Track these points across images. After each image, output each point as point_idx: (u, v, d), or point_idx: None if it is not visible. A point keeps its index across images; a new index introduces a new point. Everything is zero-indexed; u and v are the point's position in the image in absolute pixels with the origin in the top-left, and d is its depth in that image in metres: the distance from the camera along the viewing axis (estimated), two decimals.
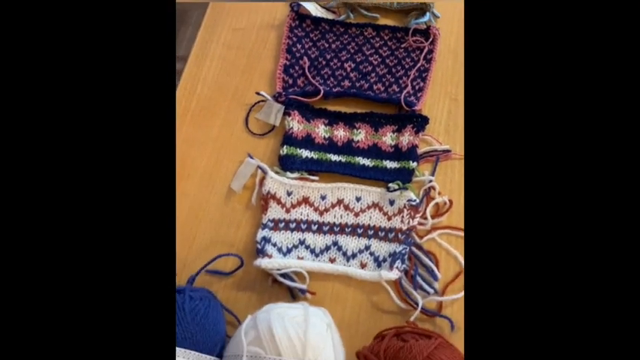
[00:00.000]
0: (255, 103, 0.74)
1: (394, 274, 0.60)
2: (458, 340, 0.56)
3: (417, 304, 0.59)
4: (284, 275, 0.61)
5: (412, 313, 0.59)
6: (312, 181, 0.68)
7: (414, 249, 0.64)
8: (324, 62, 0.78)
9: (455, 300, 0.61)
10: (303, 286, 0.61)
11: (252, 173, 0.68)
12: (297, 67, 0.77)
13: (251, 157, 0.69)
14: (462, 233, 0.65)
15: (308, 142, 0.71)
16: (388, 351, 0.51)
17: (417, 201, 0.66)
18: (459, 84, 0.77)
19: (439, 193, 0.68)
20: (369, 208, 0.67)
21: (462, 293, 0.61)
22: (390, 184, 0.67)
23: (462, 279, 0.62)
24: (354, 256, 0.64)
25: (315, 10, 0.80)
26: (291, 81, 0.77)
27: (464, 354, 0.50)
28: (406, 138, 0.71)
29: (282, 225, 0.65)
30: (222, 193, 0.68)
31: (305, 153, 0.70)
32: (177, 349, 0.49)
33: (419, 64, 0.77)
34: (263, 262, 0.60)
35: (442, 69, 0.78)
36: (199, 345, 0.51)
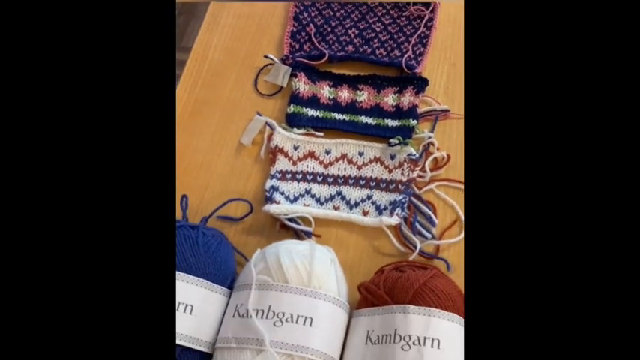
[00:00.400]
0: (264, 66, 0.78)
1: (394, 220, 0.64)
2: (454, 279, 0.59)
3: (416, 247, 0.63)
4: (291, 220, 0.65)
5: (411, 255, 0.63)
6: (318, 137, 0.72)
7: (413, 199, 0.67)
8: (329, 29, 0.81)
9: (451, 243, 0.64)
10: (309, 229, 0.64)
11: (260, 129, 0.72)
12: (303, 34, 0.81)
13: (259, 115, 0.73)
14: (459, 185, 0.69)
15: (314, 101, 0.75)
16: (387, 281, 0.54)
17: (417, 155, 0.70)
18: (457, 50, 0.81)
19: (438, 149, 0.71)
20: (371, 162, 0.70)
21: (459, 237, 0.64)
22: (392, 140, 0.70)
23: (460, 226, 0.66)
24: (356, 205, 0.67)
25: None
26: (297, 46, 0.80)
27: (464, 294, 0.54)
28: (407, 98, 0.74)
29: (289, 176, 0.69)
30: (232, 148, 0.72)
31: (311, 112, 0.74)
32: (191, 277, 0.53)
33: (420, 31, 0.81)
34: (271, 208, 0.64)
35: (442, 36, 0.82)
36: (211, 276, 0.55)
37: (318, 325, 0.51)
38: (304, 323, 0.51)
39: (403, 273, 0.54)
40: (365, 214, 0.67)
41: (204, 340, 0.53)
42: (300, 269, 0.53)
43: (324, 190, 0.69)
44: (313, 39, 0.80)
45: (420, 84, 0.76)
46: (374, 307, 0.54)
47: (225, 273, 0.57)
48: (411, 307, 0.51)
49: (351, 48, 0.81)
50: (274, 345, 0.49)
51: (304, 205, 0.67)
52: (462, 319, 0.52)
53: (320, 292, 0.52)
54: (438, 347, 0.49)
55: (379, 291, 0.54)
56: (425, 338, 0.49)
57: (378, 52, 0.80)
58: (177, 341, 0.50)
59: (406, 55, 0.79)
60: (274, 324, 0.51)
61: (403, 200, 0.66)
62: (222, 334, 0.53)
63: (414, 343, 0.49)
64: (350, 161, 0.71)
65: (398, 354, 0.49)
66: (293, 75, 0.76)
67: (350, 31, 0.82)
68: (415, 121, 0.73)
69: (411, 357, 0.49)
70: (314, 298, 0.52)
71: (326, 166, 0.70)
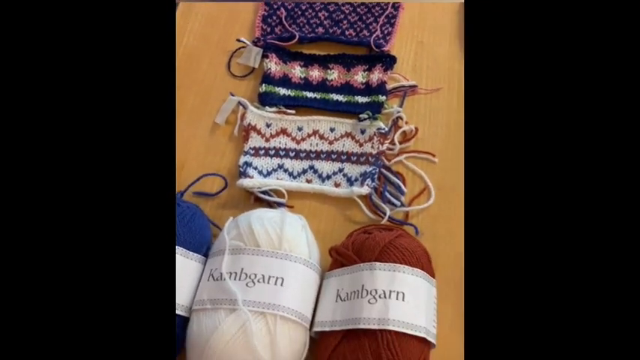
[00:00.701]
0: (237, 50, 0.81)
1: (365, 190, 0.67)
2: (422, 242, 0.62)
3: (385, 214, 0.65)
4: (264, 193, 0.67)
5: (381, 222, 0.65)
6: (289, 114, 0.74)
7: (383, 170, 0.70)
8: (299, 12, 0.84)
9: (420, 210, 0.67)
10: (282, 201, 0.67)
11: (233, 109, 0.74)
12: (274, 17, 0.84)
13: (232, 95, 0.75)
14: (427, 156, 0.71)
15: (285, 81, 0.77)
16: (355, 243, 0.57)
17: (386, 129, 0.72)
18: (425, 28, 0.84)
19: (406, 122, 0.74)
20: (342, 137, 0.73)
21: (427, 204, 0.67)
22: (361, 115, 0.73)
23: (427, 193, 0.68)
24: (328, 177, 0.70)
25: None
26: (269, 29, 0.83)
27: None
28: (376, 75, 0.77)
29: (262, 152, 0.71)
30: (207, 127, 0.75)
31: (282, 91, 0.76)
32: None
33: (387, 12, 0.84)
34: (245, 182, 0.67)
35: (409, 16, 0.85)
36: (186, 244, 0.57)
37: (289, 285, 0.53)
38: (275, 283, 0.53)
39: (370, 234, 0.57)
40: (337, 185, 0.69)
41: (182, 304, 0.55)
42: (271, 234, 0.56)
43: (296, 165, 0.71)
44: (284, 22, 0.83)
45: (389, 62, 0.78)
46: (343, 268, 0.56)
47: (200, 242, 0.59)
48: (377, 264, 0.53)
49: (321, 30, 0.83)
50: (247, 304, 0.52)
51: (277, 179, 0.69)
52: (425, 274, 0.54)
53: (290, 255, 0.55)
54: (403, 299, 0.51)
55: (348, 252, 0.56)
56: (390, 292, 0.52)
57: (347, 33, 0.83)
58: None
59: (374, 35, 0.81)
60: (247, 285, 0.53)
61: (373, 171, 0.69)
62: (198, 297, 0.55)
63: (380, 297, 0.51)
64: (321, 137, 0.73)
65: (365, 307, 0.51)
66: (265, 56, 0.79)
67: (320, 14, 0.84)
68: (384, 97, 0.75)
69: (377, 309, 0.51)
70: (285, 260, 0.54)
71: (298, 142, 0.73)
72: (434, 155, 0.71)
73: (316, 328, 0.53)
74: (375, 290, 0.52)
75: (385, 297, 0.51)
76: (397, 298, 0.51)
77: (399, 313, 0.50)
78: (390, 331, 0.50)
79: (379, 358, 0.49)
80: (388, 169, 0.70)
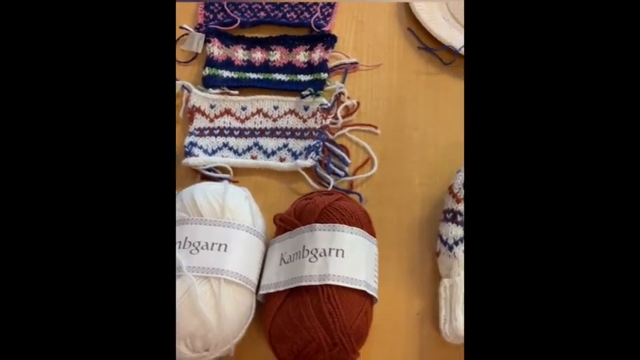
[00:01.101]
0: (180, 37, 0.82)
1: (309, 162, 0.68)
2: (367, 209, 0.63)
3: (330, 184, 0.67)
4: (210, 170, 0.68)
5: None
6: (233, 94, 0.76)
7: (327, 143, 0.72)
8: None
9: (364, 179, 0.69)
10: (228, 176, 0.68)
11: (178, 93, 0.75)
12: (216, 4, 0.85)
13: (177, 80, 0.76)
14: (369, 128, 0.73)
15: (228, 64, 0.79)
16: (297, 208, 0.58)
17: (329, 105, 0.74)
18: (364, 9, 0.86)
19: (348, 97, 0.76)
20: (285, 114, 0.74)
21: (370, 172, 0.69)
22: (303, 92, 0.74)
23: (370, 163, 0.70)
24: (273, 153, 0.71)
25: None
26: (211, 16, 0.84)
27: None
28: (317, 54, 0.79)
29: (207, 132, 0.72)
30: None
31: (225, 73, 0.78)
32: None
33: None
34: (190, 161, 0.68)
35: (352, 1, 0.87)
36: None
37: (232, 251, 0.55)
38: (219, 249, 0.54)
39: (311, 200, 0.58)
40: (282, 160, 0.71)
41: None
42: (214, 204, 0.57)
43: (241, 143, 0.72)
44: (226, 8, 0.84)
45: (329, 41, 0.80)
46: (286, 233, 0.57)
47: None
48: (317, 225, 0.55)
49: (262, 14, 0.85)
50: (191, 270, 0.53)
51: (222, 157, 0.71)
52: (364, 232, 0.56)
53: (233, 222, 0.56)
54: (342, 256, 0.53)
55: (290, 217, 0.57)
56: (330, 249, 0.53)
57: (288, 16, 0.85)
58: None
59: (315, 16, 0.83)
60: (190, 252, 0.54)
61: (317, 145, 0.70)
62: None
63: (320, 255, 0.53)
64: (265, 115, 0.74)
65: (306, 266, 0.53)
66: (207, 41, 0.80)
67: None
68: (326, 74, 0.77)
69: (317, 267, 0.52)
70: (227, 227, 0.56)
71: (242, 121, 0.74)
72: (376, 127, 0.73)
73: (262, 291, 0.55)
74: (316, 249, 0.53)
75: (325, 255, 0.53)
76: (337, 255, 0.53)
77: (339, 268, 0.52)
78: (330, 286, 0.51)
79: (321, 312, 0.50)
80: (332, 142, 0.72)
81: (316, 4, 0.85)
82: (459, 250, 0.59)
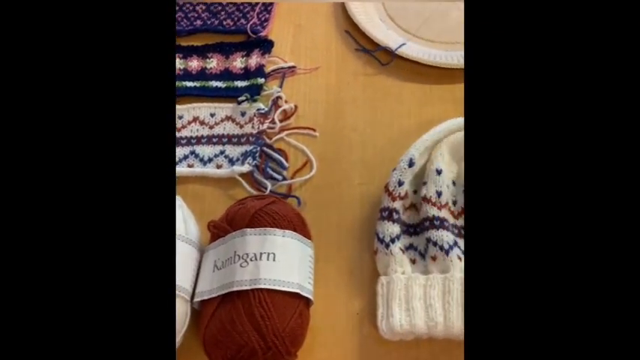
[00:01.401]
0: None
1: (246, 168, 0.68)
2: (304, 215, 0.63)
3: (266, 189, 0.67)
4: None
5: None
6: None
7: (264, 148, 0.71)
8: (177, 7, 0.85)
9: (302, 182, 0.69)
10: None
11: None
12: None
13: None
14: (307, 131, 0.73)
15: None
16: (229, 214, 0.58)
17: (266, 109, 0.74)
18: (302, 13, 0.86)
19: (286, 101, 0.76)
20: (222, 120, 0.74)
21: (308, 175, 0.69)
22: (240, 98, 0.74)
23: (309, 166, 0.70)
24: (210, 160, 0.71)
25: None
26: None
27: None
28: (254, 60, 0.79)
29: None
30: None
31: None
32: None
33: None
34: None
35: (287, 2, 0.87)
36: None
37: None
38: None
39: (243, 205, 0.58)
40: (218, 167, 0.70)
41: None
42: None
43: (177, 152, 0.72)
44: None
45: (266, 46, 0.80)
46: (219, 239, 0.57)
47: None
48: (248, 230, 0.55)
49: (199, 22, 0.84)
50: None
51: None
52: (297, 235, 0.56)
53: None
54: (274, 260, 0.53)
55: (222, 224, 0.57)
56: (261, 254, 0.53)
57: (225, 23, 0.84)
58: None
59: (252, 22, 0.83)
60: None
61: (254, 150, 0.70)
62: None
63: (251, 260, 0.53)
64: (202, 122, 0.74)
65: (238, 271, 0.52)
66: None
67: (197, 7, 0.86)
68: (263, 79, 0.77)
69: (248, 271, 0.52)
70: None
71: (179, 130, 0.73)
72: (314, 130, 0.73)
73: (197, 299, 0.54)
74: (247, 254, 0.53)
75: (256, 259, 0.52)
76: (268, 259, 0.52)
77: (270, 272, 0.52)
78: (262, 290, 0.51)
79: (252, 316, 0.50)
80: (269, 146, 0.72)
81: (253, 10, 0.85)
82: (396, 248, 0.59)
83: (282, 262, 0.53)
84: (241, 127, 0.73)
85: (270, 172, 0.69)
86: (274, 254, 0.53)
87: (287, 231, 0.55)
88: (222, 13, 0.85)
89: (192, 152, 0.71)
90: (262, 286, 0.51)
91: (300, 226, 0.57)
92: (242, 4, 0.86)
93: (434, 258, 0.59)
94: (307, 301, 0.54)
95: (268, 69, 0.79)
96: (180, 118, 0.74)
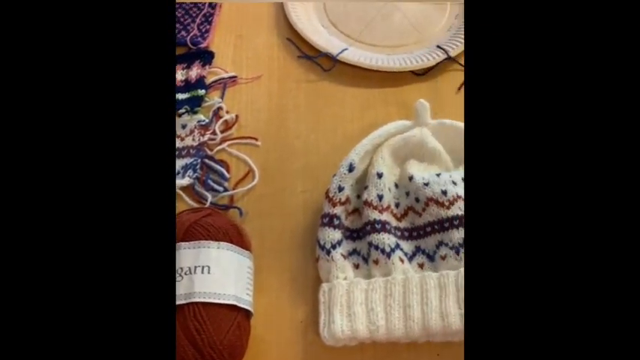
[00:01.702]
0: None
1: (186, 181, 0.67)
2: (247, 225, 0.63)
3: (207, 201, 0.66)
4: None
5: None
6: None
7: (205, 160, 0.71)
8: None
9: (245, 192, 0.68)
10: None
11: None
12: None
13: None
14: (249, 141, 0.73)
15: None
16: None
17: (206, 121, 0.73)
18: (243, 23, 0.86)
19: (227, 112, 0.75)
20: None
21: (250, 185, 0.68)
22: (180, 110, 0.74)
23: (252, 176, 0.70)
24: None
25: None
26: None
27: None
28: (194, 72, 0.78)
29: None
30: None
31: None
32: None
33: (204, 11, 0.85)
34: None
35: (228, 12, 0.87)
36: None
37: None
38: None
39: (179, 218, 0.57)
40: None
41: None
42: None
43: None
44: None
45: (206, 57, 0.80)
46: None
47: None
48: (182, 244, 0.54)
49: None
50: None
51: None
52: (233, 246, 0.55)
53: None
54: (209, 272, 0.52)
55: None
56: (195, 267, 0.52)
57: None
58: None
59: (192, 34, 0.82)
60: None
61: (194, 162, 0.69)
62: None
63: (185, 274, 0.52)
64: None
65: None
66: None
67: None
68: (203, 91, 0.76)
69: (183, 285, 0.51)
70: None
71: None
72: (256, 139, 0.73)
73: None
74: (181, 268, 0.52)
75: (191, 273, 0.52)
76: (202, 272, 0.52)
77: (205, 285, 0.51)
78: (196, 303, 0.50)
79: (187, 330, 0.49)
80: (210, 158, 0.71)
81: (194, 22, 0.84)
82: (337, 254, 0.59)
83: (217, 274, 0.52)
84: (182, 139, 0.72)
85: (212, 183, 0.68)
86: (209, 267, 0.52)
87: (222, 243, 0.54)
88: None
89: None
90: (197, 300, 0.50)
91: (236, 238, 0.56)
92: (182, 16, 0.85)
93: (376, 262, 0.59)
94: (246, 313, 0.54)
95: (209, 80, 0.78)
96: None
